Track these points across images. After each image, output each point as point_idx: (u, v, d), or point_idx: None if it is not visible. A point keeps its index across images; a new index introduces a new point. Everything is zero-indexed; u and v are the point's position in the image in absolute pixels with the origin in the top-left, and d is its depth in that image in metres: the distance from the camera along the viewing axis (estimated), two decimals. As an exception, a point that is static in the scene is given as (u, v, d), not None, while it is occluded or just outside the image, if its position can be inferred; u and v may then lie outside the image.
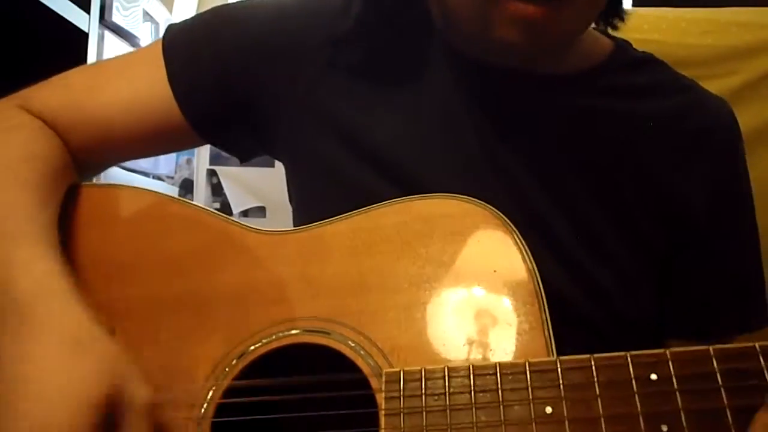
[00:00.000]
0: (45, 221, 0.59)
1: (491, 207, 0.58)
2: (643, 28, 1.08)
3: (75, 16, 1.28)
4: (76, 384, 0.47)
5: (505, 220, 0.57)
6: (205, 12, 0.77)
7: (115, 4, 1.53)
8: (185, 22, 0.76)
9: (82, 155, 0.70)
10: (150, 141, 0.73)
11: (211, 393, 0.56)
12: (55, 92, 0.71)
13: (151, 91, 0.70)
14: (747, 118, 1.01)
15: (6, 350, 0.49)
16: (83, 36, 1.32)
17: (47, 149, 0.66)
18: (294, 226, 0.66)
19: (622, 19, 0.69)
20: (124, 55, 0.77)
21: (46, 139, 0.67)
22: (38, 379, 0.47)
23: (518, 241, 0.56)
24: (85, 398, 0.47)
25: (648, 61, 0.73)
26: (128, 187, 0.68)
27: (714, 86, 0.95)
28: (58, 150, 0.67)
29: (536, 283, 0.54)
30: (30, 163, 0.63)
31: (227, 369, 0.57)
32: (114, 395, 0.48)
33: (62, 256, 0.56)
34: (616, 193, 0.66)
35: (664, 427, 0.46)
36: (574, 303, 0.63)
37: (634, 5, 1.77)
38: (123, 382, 0.49)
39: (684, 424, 0.46)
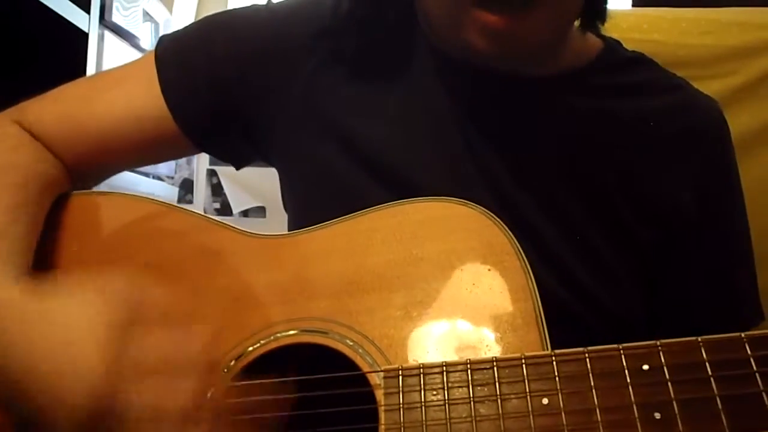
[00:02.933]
0: (14, 236, 0.59)
1: (483, 208, 0.58)
2: (643, 28, 1.08)
3: (75, 16, 1.28)
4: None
5: (497, 220, 0.57)
6: (197, 21, 0.77)
7: (115, 4, 1.53)
8: (177, 32, 0.76)
9: (79, 167, 0.71)
10: (146, 150, 0.74)
11: (209, 394, 0.56)
12: (50, 106, 0.71)
13: (145, 101, 0.71)
14: (747, 118, 1.01)
15: None
16: (83, 36, 1.32)
17: (31, 161, 0.66)
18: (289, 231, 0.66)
19: (603, 21, 0.68)
20: (117, 67, 0.77)
21: (30, 151, 0.67)
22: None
23: (510, 239, 0.56)
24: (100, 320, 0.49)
25: (638, 61, 0.72)
26: (121, 194, 0.68)
27: (714, 86, 0.95)
28: (42, 162, 0.67)
29: (529, 279, 0.55)
30: (5, 173, 0.62)
31: (226, 370, 0.57)
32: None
33: (25, 277, 0.57)
34: (603, 193, 0.66)
35: (657, 416, 0.47)
36: (561, 302, 0.62)
37: (634, 5, 1.77)
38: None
39: (676, 412, 0.47)
